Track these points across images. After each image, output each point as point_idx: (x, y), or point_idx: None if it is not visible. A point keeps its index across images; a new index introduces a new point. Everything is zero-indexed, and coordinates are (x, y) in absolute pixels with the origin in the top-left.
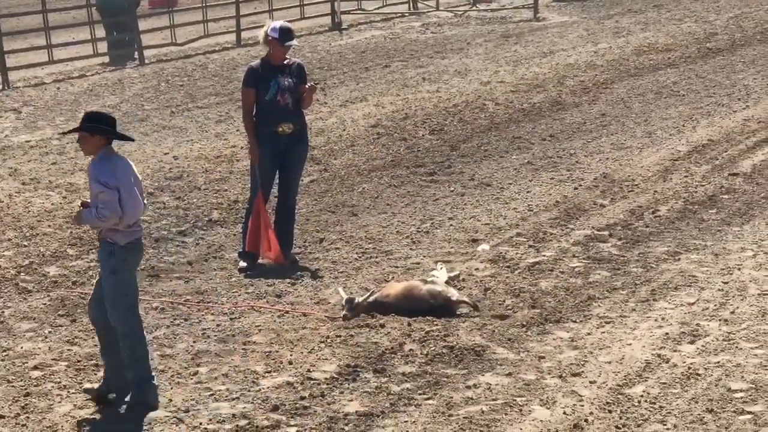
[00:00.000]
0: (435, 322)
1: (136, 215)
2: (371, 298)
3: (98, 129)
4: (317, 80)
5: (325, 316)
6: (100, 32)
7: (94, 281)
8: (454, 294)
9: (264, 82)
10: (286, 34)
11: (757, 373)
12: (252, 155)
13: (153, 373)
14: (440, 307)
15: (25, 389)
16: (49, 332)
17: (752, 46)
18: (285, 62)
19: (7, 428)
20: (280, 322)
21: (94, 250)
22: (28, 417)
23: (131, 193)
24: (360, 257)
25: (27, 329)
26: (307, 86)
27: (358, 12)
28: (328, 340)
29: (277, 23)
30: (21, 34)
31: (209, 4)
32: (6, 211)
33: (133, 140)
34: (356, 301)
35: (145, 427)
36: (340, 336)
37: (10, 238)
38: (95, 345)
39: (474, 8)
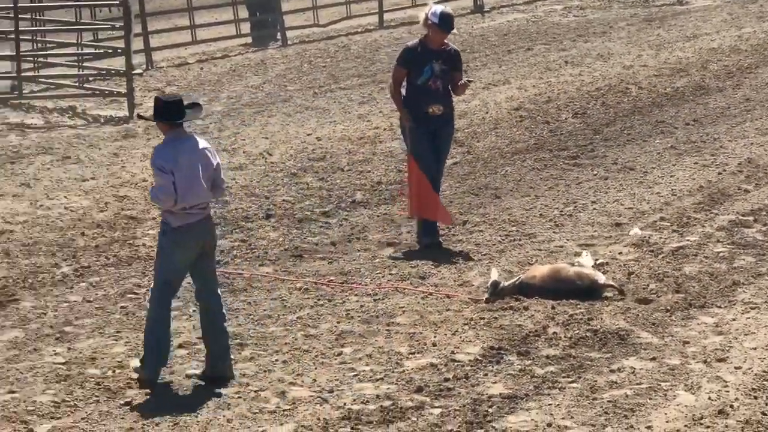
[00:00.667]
0: (578, 306)
1: (192, 200)
2: (517, 282)
3: (158, 118)
4: (472, 78)
5: (469, 298)
6: (243, 13)
7: (239, 261)
8: (601, 277)
9: (418, 66)
10: (446, 20)
11: None
12: (404, 119)
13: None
14: (586, 290)
15: (171, 366)
16: (193, 311)
17: None
18: (442, 47)
19: (152, 403)
20: (423, 304)
21: (237, 230)
22: (173, 395)
23: (188, 178)
24: (503, 240)
25: (171, 307)
26: (460, 82)
27: None
28: (472, 322)
29: (439, 8)
30: (165, 14)
31: None
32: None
33: (198, 116)
34: (501, 285)
35: (286, 407)
36: (483, 318)
37: (155, 217)
38: (239, 325)
39: None
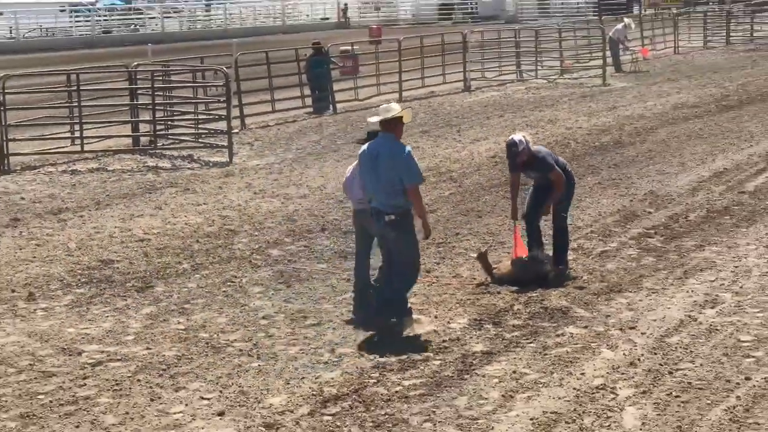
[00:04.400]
0: (535, 290)
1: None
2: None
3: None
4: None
5: (460, 285)
6: (307, 91)
7: (303, 260)
8: (547, 266)
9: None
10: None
11: (759, 330)
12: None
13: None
14: (536, 274)
15: (257, 331)
16: (272, 294)
17: (755, 104)
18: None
19: (245, 356)
20: (428, 290)
21: (302, 239)
22: (258, 351)
23: (351, 177)
24: (483, 246)
25: (257, 291)
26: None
27: (482, 79)
28: (462, 302)
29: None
30: (254, 92)
31: (381, 73)
32: (243, 211)
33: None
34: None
35: (335, 359)
36: (469, 299)
37: (246, 230)
38: (303, 303)
39: (561, 77)
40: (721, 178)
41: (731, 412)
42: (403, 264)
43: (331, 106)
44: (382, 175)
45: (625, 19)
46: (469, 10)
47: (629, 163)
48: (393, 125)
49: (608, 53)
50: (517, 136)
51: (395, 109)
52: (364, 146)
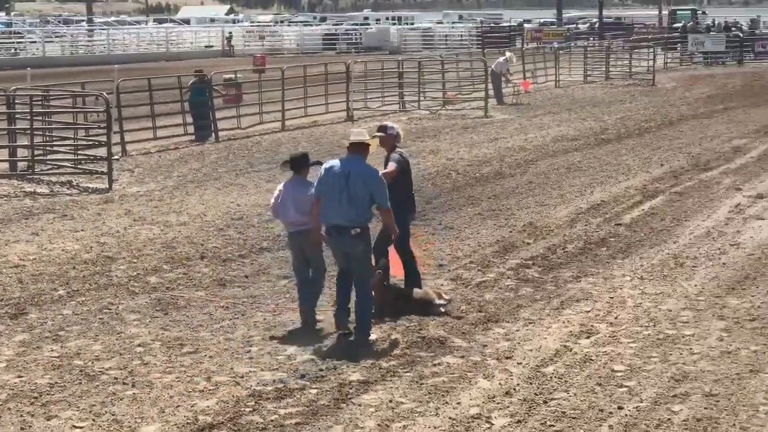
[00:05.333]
0: (413, 320)
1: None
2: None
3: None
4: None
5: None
6: (189, 118)
7: (182, 288)
8: (433, 297)
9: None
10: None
11: (632, 359)
12: None
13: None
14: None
15: (132, 359)
16: (149, 321)
17: (632, 138)
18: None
19: (119, 384)
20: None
21: (180, 266)
22: (133, 378)
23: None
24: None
25: (134, 319)
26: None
27: (365, 108)
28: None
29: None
30: (135, 119)
31: (264, 101)
32: (122, 238)
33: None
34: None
35: (211, 388)
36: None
37: (124, 256)
38: (180, 331)
39: (444, 108)
40: (599, 210)
41: None
42: (366, 278)
43: (213, 134)
44: (357, 193)
45: (507, 53)
46: (354, 41)
47: (509, 194)
48: (363, 148)
49: (490, 86)
50: (391, 124)
51: (366, 136)
52: (329, 165)
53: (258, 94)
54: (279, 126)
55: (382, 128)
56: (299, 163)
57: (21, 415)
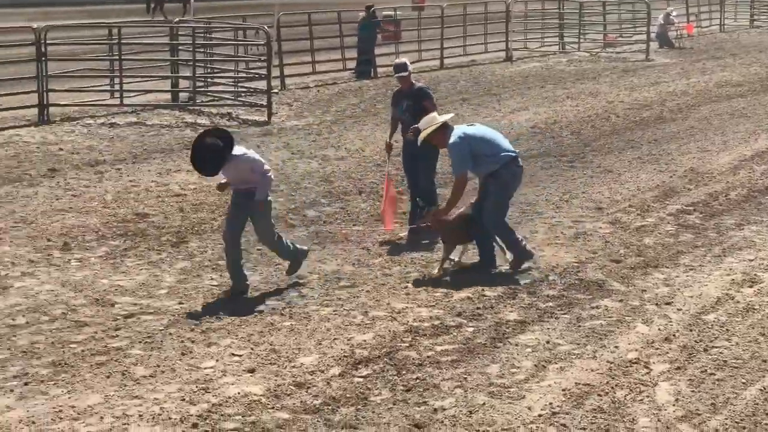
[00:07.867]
0: (572, 261)
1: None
2: None
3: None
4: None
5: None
6: (347, 54)
7: (339, 222)
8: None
9: (395, 104)
10: (395, 68)
11: None
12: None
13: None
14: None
15: (290, 291)
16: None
17: None
18: (408, 88)
19: (277, 315)
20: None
21: (338, 201)
22: (291, 310)
23: None
24: (520, 216)
25: None
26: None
27: (524, 49)
28: (497, 270)
29: (397, 60)
30: (295, 53)
31: (423, 39)
32: (281, 171)
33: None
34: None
35: (368, 322)
36: (505, 268)
37: (283, 189)
38: (338, 265)
39: (604, 51)
40: (764, 158)
41: (766, 392)
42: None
43: (372, 70)
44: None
45: (668, 8)
46: None
47: (670, 139)
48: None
49: (653, 29)
50: (405, 59)
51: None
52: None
53: (417, 32)
54: (438, 64)
55: (402, 66)
56: None
57: (182, 341)
